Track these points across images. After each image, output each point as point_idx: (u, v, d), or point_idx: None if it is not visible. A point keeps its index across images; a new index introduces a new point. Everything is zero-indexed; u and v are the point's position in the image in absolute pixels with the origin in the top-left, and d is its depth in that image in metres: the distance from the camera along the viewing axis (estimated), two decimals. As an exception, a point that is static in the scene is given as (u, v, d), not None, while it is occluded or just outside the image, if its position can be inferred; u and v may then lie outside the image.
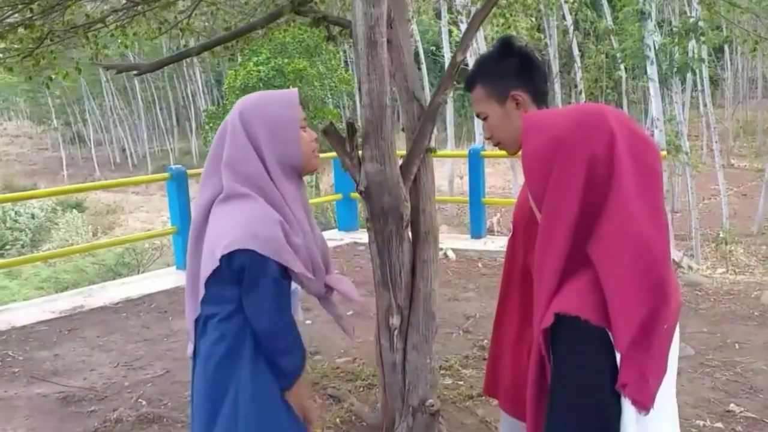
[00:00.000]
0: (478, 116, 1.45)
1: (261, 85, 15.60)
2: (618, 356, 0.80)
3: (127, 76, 28.59)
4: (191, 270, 1.33)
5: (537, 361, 0.88)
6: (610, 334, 0.80)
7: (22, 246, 14.81)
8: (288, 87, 15.64)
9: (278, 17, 2.38)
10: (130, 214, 21.58)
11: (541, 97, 1.41)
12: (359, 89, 1.80)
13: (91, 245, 8.94)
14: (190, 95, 30.43)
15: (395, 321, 2.01)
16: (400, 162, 1.98)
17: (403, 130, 2.08)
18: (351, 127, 1.82)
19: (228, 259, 1.21)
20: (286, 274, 1.27)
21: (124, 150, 32.35)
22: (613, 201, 0.82)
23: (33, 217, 15.77)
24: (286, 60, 15.43)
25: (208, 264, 1.24)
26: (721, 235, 12.54)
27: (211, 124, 16.44)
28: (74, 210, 17.40)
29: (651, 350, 0.81)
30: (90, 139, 32.63)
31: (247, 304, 1.24)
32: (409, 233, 2.05)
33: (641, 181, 0.84)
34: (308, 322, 3.79)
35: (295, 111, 1.31)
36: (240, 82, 15.74)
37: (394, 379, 2.07)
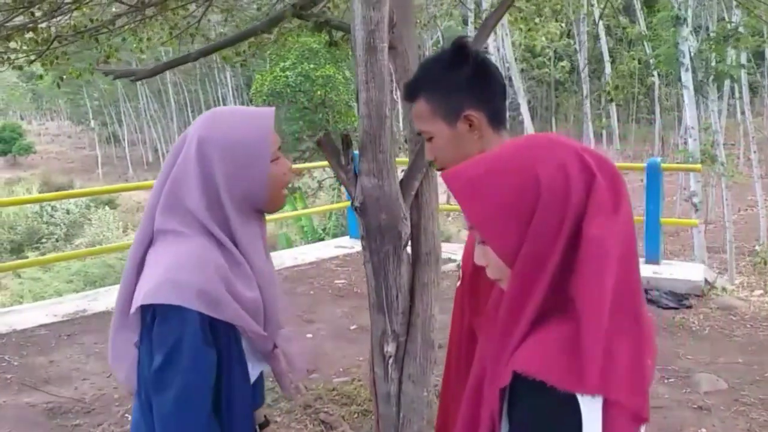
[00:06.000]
0: (419, 134, 1.16)
1: (288, 90, 15.67)
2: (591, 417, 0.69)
3: (161, 79, 29.32)
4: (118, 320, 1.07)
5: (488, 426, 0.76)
6: (580, 399, 0.68)
7: (57, 240, 15.27)
8: (316, 92, 15.64)
9: (279, 22, 2.27)
10: (158, 212, 21.98)
11: (498, 117, 1.13)
12: (357, 98, 1.66)
13: (118, 245, 9.19)
14: (220, 98, 31.02)
15: (390, 349, 1.86)
16: (402, 176, 1.83)
17: (406, 141, 1.94)
18: (346, 139, 1.68)
19: (144, 311, 0.99)
20: (223, 333, 1.00)
21: (156, 150, 33.23)
22: (588, 230, 0.72)
23: (68, 212, 16.27)
24: (312, 66, 15.47)
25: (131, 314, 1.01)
26: (758, 251, 11.89)
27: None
28: (107, 207, 17.87)
29: (644, 392, 0.74)
30: (125, 139, 33.65)
31: (154, 371, 0.96)
32: (409, 252, 1.89)
33: (613, 200, 0.74)
34: (309, 335, 3.66)
35: (267, 142, 1.06)
36: (267, 87, 15.85)
37: (388, 410, 1.92)
